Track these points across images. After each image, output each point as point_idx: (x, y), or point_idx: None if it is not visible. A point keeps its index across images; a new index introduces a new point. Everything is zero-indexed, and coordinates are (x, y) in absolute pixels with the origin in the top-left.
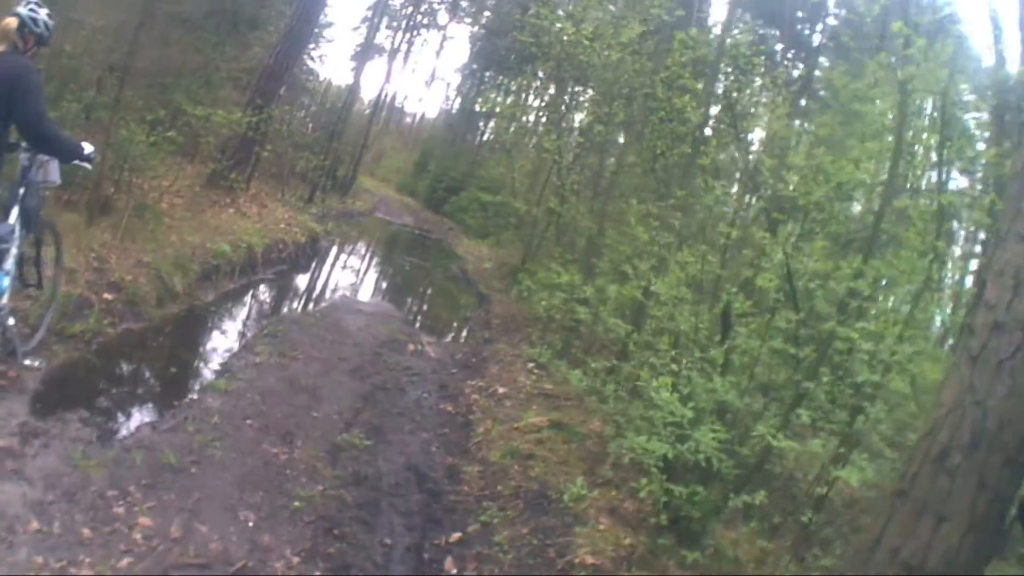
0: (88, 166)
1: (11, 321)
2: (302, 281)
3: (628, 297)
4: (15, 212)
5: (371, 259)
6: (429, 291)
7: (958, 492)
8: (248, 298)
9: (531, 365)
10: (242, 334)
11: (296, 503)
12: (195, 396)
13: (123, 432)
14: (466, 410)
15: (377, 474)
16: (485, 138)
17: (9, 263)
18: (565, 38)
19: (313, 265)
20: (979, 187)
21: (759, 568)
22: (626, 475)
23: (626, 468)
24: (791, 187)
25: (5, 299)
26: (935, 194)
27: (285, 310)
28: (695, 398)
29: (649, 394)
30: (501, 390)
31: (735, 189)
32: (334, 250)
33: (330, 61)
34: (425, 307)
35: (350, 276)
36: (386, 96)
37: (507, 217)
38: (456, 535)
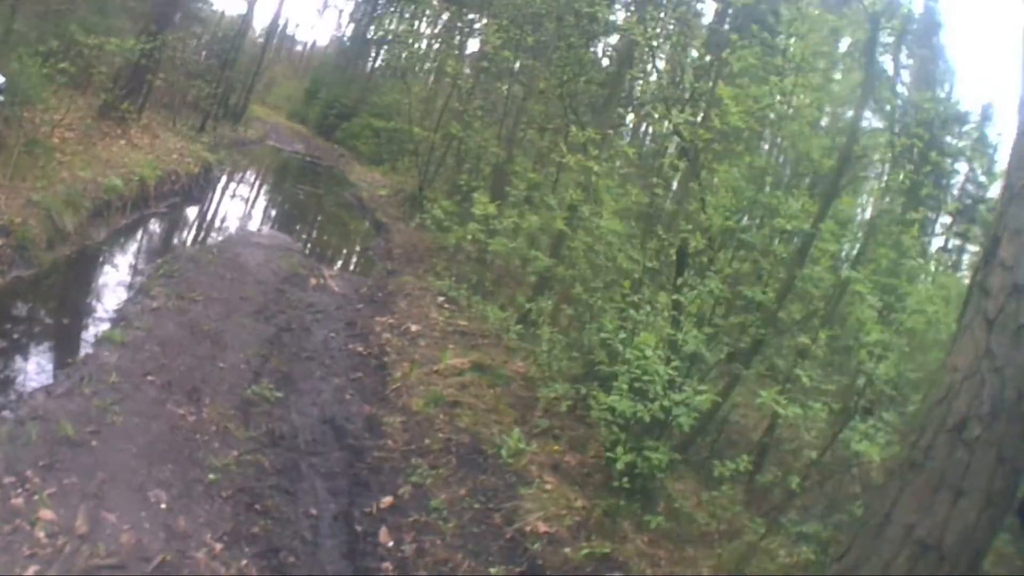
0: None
1: None
2: (197, 214)
3: (548, 228)
4: None
5: (264, 188)
6: (325, 221)
7: (976, 465)
8: (141, 235)
9: (441, 299)
10: (136, 276)
11: (211, 475)
12: (90, 351)
13: (14, 400)
14: (378, 351)
15: (292, 431)
16: (377, 64)
17: None
18: None
19: (207, 196)
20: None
21: (731, 534)
22: (562, 424)
23: (560, 416)
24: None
25: None
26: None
27: (181, 247)
28: (673, 352)
29: (599, 341)
30: (414, 327)
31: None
32: (227, 179)
33: None
34: (324, 237)
35: (245, 207)
36: (278, 24)
37: (401, 143)
38: (387, 499)
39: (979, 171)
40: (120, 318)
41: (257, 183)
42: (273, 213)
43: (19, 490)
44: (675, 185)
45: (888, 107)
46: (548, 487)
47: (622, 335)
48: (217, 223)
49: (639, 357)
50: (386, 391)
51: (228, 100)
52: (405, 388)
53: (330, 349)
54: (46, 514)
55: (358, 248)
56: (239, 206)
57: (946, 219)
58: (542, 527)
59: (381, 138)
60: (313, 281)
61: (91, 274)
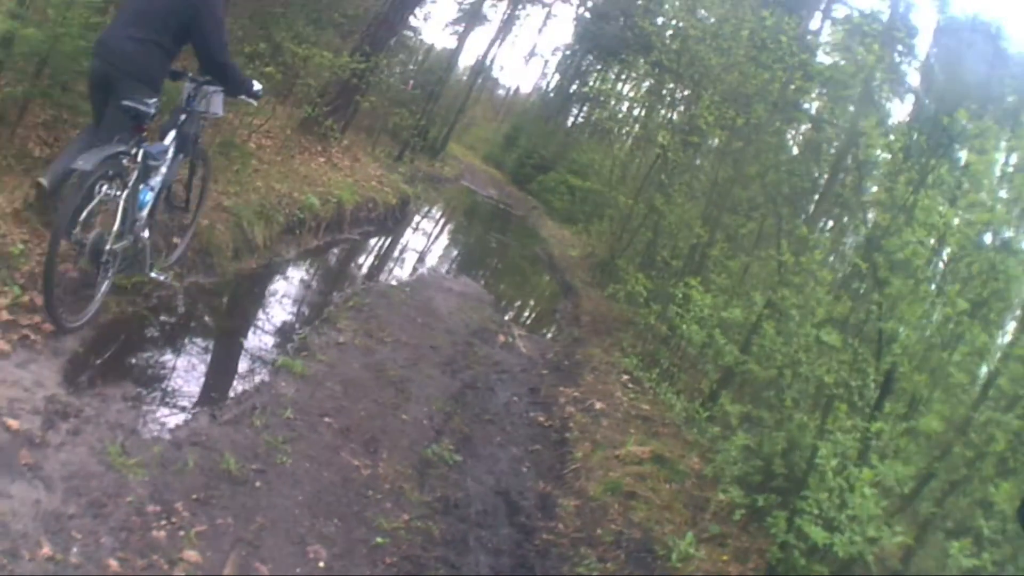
0: (254, 102)
1: (146, 234)
2: (390, 246)
3: (740, 321)
4: (172, 135)
5: (457, 230)
6: (515, 274)
7: None
8: (333, 259)
9: (626, 378)
10: (323, 303)
11: (378, 538)
12: (266, 378)
13: (175, 420)
14: (560, 424)
15: (466, 499)
16: (578, 121)
17: (157, 180)
18: (688, 30)
19: (401, 230)
20: None
21: None
22: (731, 531)
23: (731, 523)
24: None
25: (145, 212)
26: None
27: (372, 279)
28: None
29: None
30: (598, 405)
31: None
32: (421, 216)
33: (433, 23)
34: (513, 292)
35: (438, 247)
36: (484, 65)
37: (595, 205)
38: None
39: None
40: (302, 348)
41: (450, 224)
42: (464, 258)
43: (163, 522)
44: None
45: None
46: None
47: (834, 462)
48: (409, 260)
49: (846, 488)
50: (563, 470)
51: (428, 133)
52: (584, 470)
53: (512, 414)
54: (190, 555)
55: (546, 309)
56: (432, 245)
57: None
58: None
59: (576, 196)
60: (501, 338)
61: (275, 293)
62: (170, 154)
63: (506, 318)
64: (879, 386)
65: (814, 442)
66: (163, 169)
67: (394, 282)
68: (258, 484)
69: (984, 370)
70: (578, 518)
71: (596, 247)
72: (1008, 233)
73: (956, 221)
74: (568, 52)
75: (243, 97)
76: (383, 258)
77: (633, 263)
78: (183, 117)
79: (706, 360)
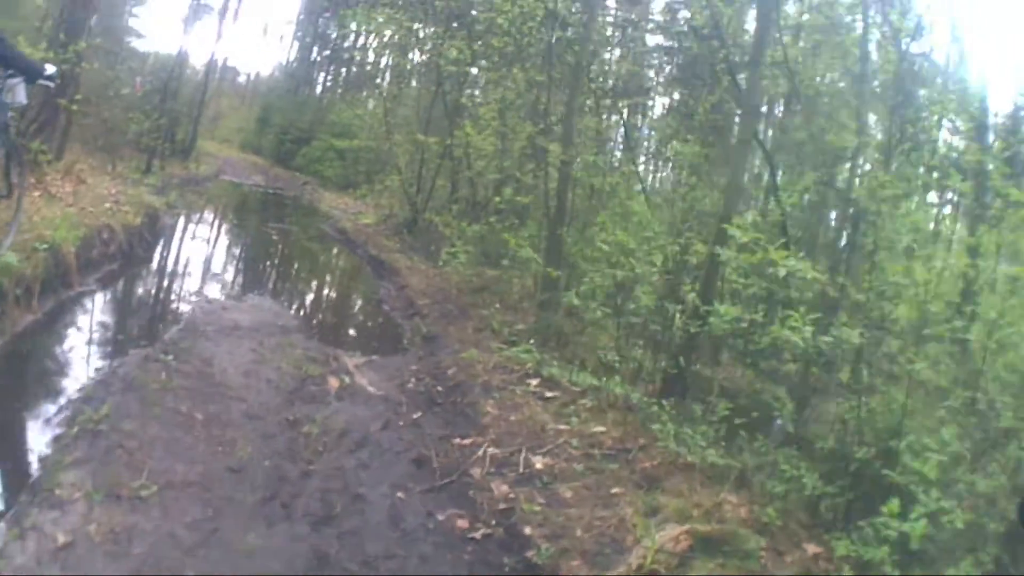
0: (51, 84)
1: None
2: (141, 287)
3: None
4: None
5: (229, 233)
6: (313, 266)
7: None
8: (49, 345)
9: (534, 383)
10: (35, 444)
11: None
12: None
13: None
14: (502, 525)
15: None
16: (327, 84)
17: None
18: None
19: (156, 255)
20: None
21: None
22: None
23: None
24: None
25: None
26: None
27: (114, 361)
28: None
29: None
30: (534, 459)
31: None
32: (181, 228)
33: (158, 23)
34: (319, 294)
35: (207, 264)
36: (218, 56)
37: (372, 163)
38: None
39: None
40: None
41: (219, 227)
42: (245, 268)
43: None
44: None
45: None
46: None
47: None
48: (173, 296)
49: None
50: None
51: (175, 135)
52: None
53: (408, 535)
54: None
55: (369, 302)
56: (200, 263)
57: None
58: None
59: (347, 160)
60: (334, 383)
61: None
62: None
63: (327, 343)
64: None
65: None
66: None
67: (151, 349)
68: None
69: None
70: None
71: (392, 207)
72: None
73: None
74: (303, 17)
75: (42, 81)
76: (128, 311)
77: (449, 212)
78: None
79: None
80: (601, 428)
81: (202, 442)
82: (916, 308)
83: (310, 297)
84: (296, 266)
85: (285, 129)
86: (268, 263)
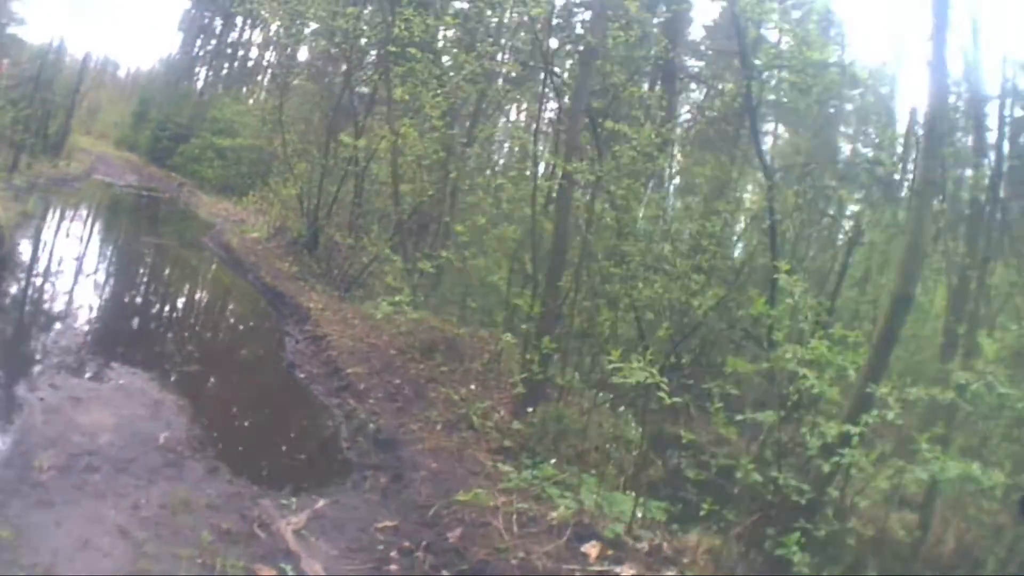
0: None
1: None
2: None
3: None
4: None
5: (94, 252)
6: (196, 308)
7: None
8: None
9: (594, 553)
10: None
11: None
12: None
13: None
14: None
15: None
16: (210, 78)
17: None
18: None
19: None
20: None
21: None
22: None
23: None
24: None
25: None
26: None
27: None
28: None
29: None
30: None
31: None
32: (35, 242)
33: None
34: (213, 358)
35: (64, 305)
36: (98, 46)
37: (255, 164)
38: None
39: None
40: None
41: (84, 243)
42: (111, 313)
43: None
44: None
45: None
46: None
47: None
48: (1, 374)
49: None
50: None
51: (47, 129)
52: None
53: None
54: None
55: (274, 367)
56: (52, 304)
57: None
58: None
59: (228, 159)
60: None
61: None
62: None
63: (236, 472)
64: None
65: None
66: None
67: None
68: None
69: None
70: None
71: (284, 219)
72: None
73: None
74: (192, 10)
75: None
76: None
77: (370, 229)
78: None
79: None
80: None
81: None
82: None
83: (196, 366)
84: (176, 306)
85: (163, 125)
86: (140, 300)
